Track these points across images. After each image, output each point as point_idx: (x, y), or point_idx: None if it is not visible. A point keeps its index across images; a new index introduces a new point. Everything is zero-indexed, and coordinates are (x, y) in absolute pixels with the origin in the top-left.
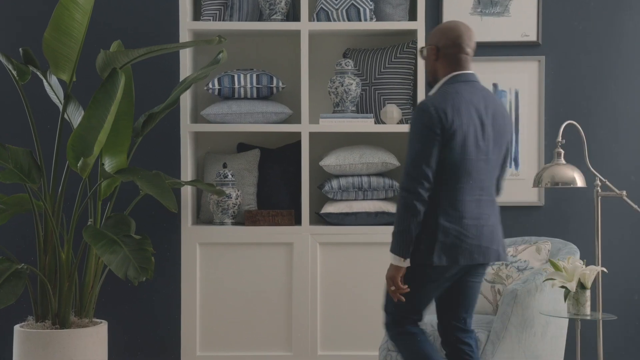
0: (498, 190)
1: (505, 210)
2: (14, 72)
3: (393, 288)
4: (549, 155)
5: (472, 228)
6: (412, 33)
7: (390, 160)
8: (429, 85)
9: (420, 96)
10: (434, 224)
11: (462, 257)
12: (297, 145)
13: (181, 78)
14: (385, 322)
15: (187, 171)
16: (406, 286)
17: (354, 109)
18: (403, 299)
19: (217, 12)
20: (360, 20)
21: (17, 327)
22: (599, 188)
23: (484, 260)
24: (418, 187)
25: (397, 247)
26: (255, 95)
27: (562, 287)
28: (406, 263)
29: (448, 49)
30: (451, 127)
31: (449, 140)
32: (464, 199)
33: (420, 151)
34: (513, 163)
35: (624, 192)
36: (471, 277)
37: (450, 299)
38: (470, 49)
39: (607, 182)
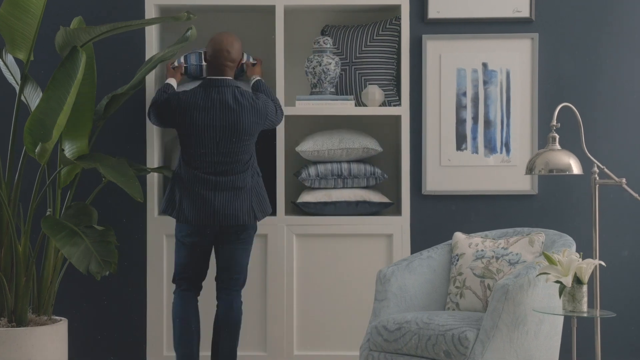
0: None
1: (496, 199)
2: None
3: None
4: (543, 141)
5: None
6: (396, 9)
7: (372, 145)
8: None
9: (405, 77)
10: None
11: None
12: (272, 129)
13: (147, 57)
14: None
15: (154, 157)
16: None
17: (332, 90)
18: None
19: None
20: None
21: None
22: (596, 175)
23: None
24: None
25: None
26: None
27: (557, 282)
28: None
29: (210, 57)
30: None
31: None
32: None
33: None
34: (504, 148)
35: (624, 180)
36: None
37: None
38: (224, 59)
39: (606, 169)
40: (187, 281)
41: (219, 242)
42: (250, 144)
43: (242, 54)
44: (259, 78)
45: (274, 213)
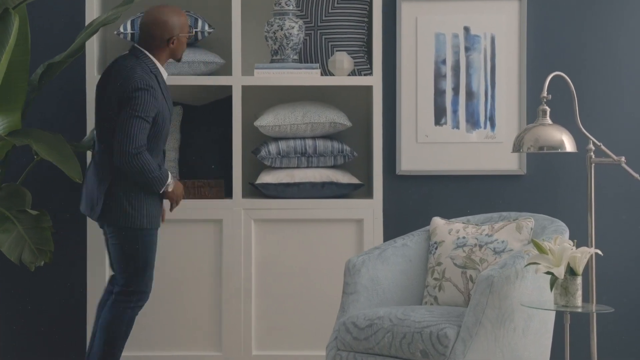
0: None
1: (480, 180)
2: None
3: None
4: (532, 114)
5: None
6: None
7: (339, 119)
8: None
9: (377, 42)
10: None
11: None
12: (228, 101)
13: (87, 21)
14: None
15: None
16: None
17: (296, 57)
18: None
19: None
20: None
21: None
22: (592, 153)
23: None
24: None
25: None
26: None
27: (548, 273)
28: None
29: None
30: None
31: None
32: None
33: None
34: (488, 123)
35: (622, 158)
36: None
37: None
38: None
39: (602, 146)
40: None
41: None
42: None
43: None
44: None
45: (229, 195)
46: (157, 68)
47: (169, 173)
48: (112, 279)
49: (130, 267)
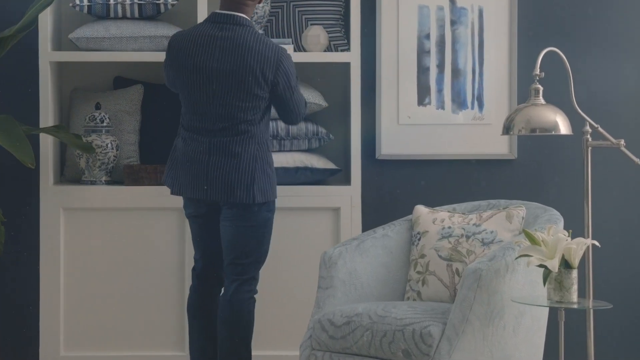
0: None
1: (467, 165)
2: None
3: None
4: (523, 94)
5: None
6: None
7: (314, 99)
8: None
9: (355, 15)
10: None
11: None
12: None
13: None
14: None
15: (48, 114)
16: None
17: (262, 31)
18: None
19: None
20: None
21: None
22: (588, 136)
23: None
24: None
25: None
26: (137, 14)
27: (541, 266)
28: None
29: None
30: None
31: None
32: None
33: None
34: (476, 103)
35: (622, 141)
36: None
37: None
38: None
39: (600, 128)
40: (197, 267)
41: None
42: (257, 104)
43: None
44: None
45: None
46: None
47: None
48: (206, 274)
49: (262, 248)
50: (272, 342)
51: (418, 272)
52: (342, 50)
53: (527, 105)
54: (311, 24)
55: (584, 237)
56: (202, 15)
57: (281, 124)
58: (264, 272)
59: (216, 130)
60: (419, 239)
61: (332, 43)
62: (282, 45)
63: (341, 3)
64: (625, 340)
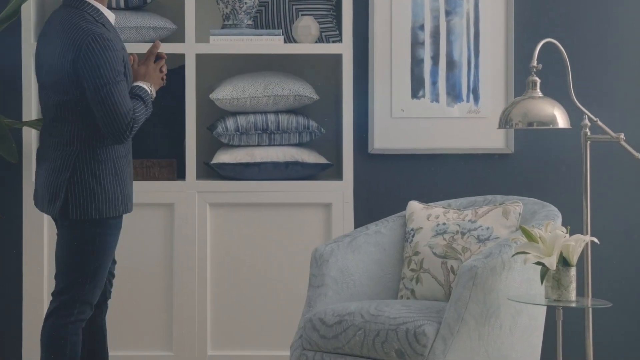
0: None
1: (462, 159)
2: None
3: None
4: (521, 86)
5: None
6: None
7: (305, 92)
8: None
9: (347, 6)
10: None
11: None
12: (180, 71)
13: None
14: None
15: (31, 107)
16: None
17: (250, 22)
18: None
19: None
20: None
21: None
22: (587, 130)
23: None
24: None
25: None
26: (122, 4)
27: (539, 263)
28: None
29: None
30: None
31: None
32: None
33: None
34: (471, 96)
35: (622, 135)
36: None
37: None
38: None
39: (599, 122)
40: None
41: None
42: (65, 107)
43: None
44: (141, 85)
45: (182, 177)
46: (101, 14)
47: (144, 88)
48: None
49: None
50: (261, 342)
51: (412, 270)
52: (333, 42)
53: (524, 98)
54: (302, 15)
55: (582, 233)
56: (188, 4)
57: (271, 117)
58: (254, 270)
59: None
60: (413, 236)
61: (323, 34)
62: (271, 37)
63: None
64: (624, 339)
